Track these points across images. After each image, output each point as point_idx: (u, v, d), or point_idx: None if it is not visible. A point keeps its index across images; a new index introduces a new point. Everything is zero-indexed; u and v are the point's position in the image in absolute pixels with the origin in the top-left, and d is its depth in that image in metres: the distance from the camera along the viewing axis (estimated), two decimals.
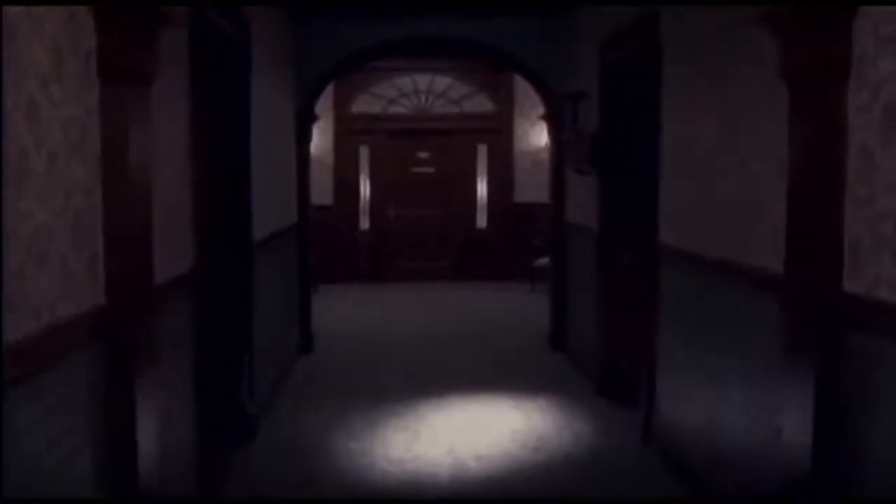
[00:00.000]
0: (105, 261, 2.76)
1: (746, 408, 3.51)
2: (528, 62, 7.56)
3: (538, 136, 12.16)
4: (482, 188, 12.44)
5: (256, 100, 5.27)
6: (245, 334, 5.02)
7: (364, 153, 12.31)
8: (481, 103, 12.31)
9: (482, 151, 12.42)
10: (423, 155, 12.41)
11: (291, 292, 7.11)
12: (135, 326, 2.85)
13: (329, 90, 11.74)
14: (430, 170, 12.42)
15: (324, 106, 11.77)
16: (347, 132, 12.14)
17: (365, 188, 12.34)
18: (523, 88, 11.99)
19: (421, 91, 12.22)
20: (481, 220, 12.46)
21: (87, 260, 2.67)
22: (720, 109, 3.84)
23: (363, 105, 12.16)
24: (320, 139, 11.94)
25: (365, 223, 12.34)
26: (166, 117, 3.56)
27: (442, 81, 12.20)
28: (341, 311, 10.08)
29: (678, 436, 4.49)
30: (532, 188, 12.10)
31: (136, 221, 2.90)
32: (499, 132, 12.30)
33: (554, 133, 7.53)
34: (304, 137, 7.38)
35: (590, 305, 6.43)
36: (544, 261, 11.28)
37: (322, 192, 11.89)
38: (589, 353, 6.48)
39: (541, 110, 11.96)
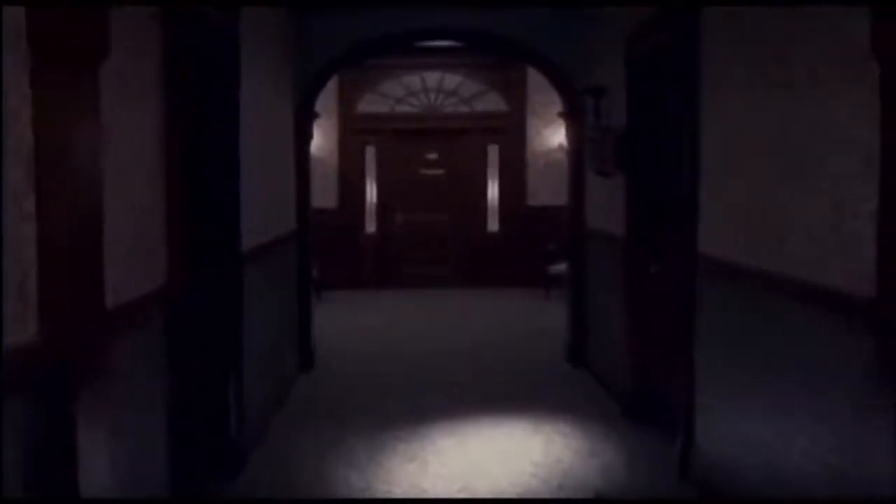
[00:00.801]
0: (39, 284, 2.22)
1: (816, 451, 2.95)
2: (545, 54, 6.99)
3: (552, 136, 11.65)
4: (493, 190, 11.93)
5: (248, 94, 4.74)
6: (232, 355, 4.48)
7: (370, 154, 11.83)
8: (493, 102, 11.78)
9: (493, 152, 11.91)
10: (432, 156, 11.92)
11: (290, 305, 6.58)
12: (78, 359, 2.32)
13: (334, 88, 11.32)
14: (439, 171, 11.93)
15: (328, 105, 11.35)
16: (353, 132, 11.63)
17: (371, 190, 11.85)
18: (537, 86, 11.52)
19: (430, 89, 11.71)
20: (492, 224, 11.94)
21: (17, 284, 2.14)
22: (780, 97, 3.28)
23: (369, 104, 11.67)
24: (324, 139, 11.47)
25: (370, 227, 11.85)
26: (132, 110, 3.03)
27: (452, 79, 11.68)
28: (345, 320, 9.55)
29: (723, 473, 3.93)
30: (546, 190, 11.65)
31: (82, 234, 2.37)
32: (511, 132, 11.78)
33: (573, 131, 6.98)
34: (303, 136, 6.85)
35: (614, 318, 5.88)
36: (559, 267, 10.76)
37: (326, 194, 11.46)
38: (614, 370, 5.93)
39: (556, 108, 11.63)
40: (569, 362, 7.17)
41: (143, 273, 3.12)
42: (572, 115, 6.95)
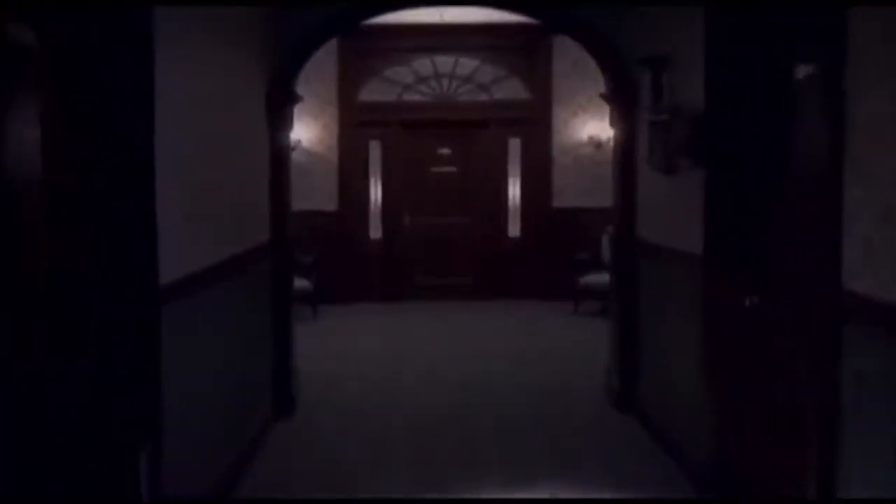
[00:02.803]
0: None
1: None
2: (583, 17, 5.50)
3: (581, 128, 10.26)
4: (514, 190, 10.53)
5: (176, 71, 3.34)
6: (145, 418, 3.07)
7: (375, 149, 10.42)
8: (514, 89, 10.37)
9: (514, 146, 10.50)
10: (445, 151, 10.55)
11: (260, 336, 5.17)
12: None
13: (332, 74, 10.04)
14: (453, 168, 10.54)
15: (325, 93, 10.07)
16: (355, 124, 10.24)
17: (375, 191, 10.47)
18: (564, 70, 10.21)
19: (442, 75, 10.30)
20: (513, 229, 10.55)
21: None
22: None
23: (374, 92, 10.27)
24: (322, 132, 10.12)
25: (375, 232, 10.46)
26: None
27: (467, 63, 10.29)
28: (341, 343, 8.15)
29: None
30: (574, 190, 10.38)
31: None
32: (534, 123, 10.37)
33: (621, 117, 5.52)
34: (279, 125, 5.43)
35: (683, 360, 4.44)
36: (591, 278, 9.35)
37: (324, 195, 10.22)
38: (682, 431, 4.49)
39: (587, 95, 10.08)
40: (613, 405, 5.73)
41: None
42: (620, 96, 5.49)
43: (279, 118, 5.39)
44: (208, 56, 3.91)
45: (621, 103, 5.47)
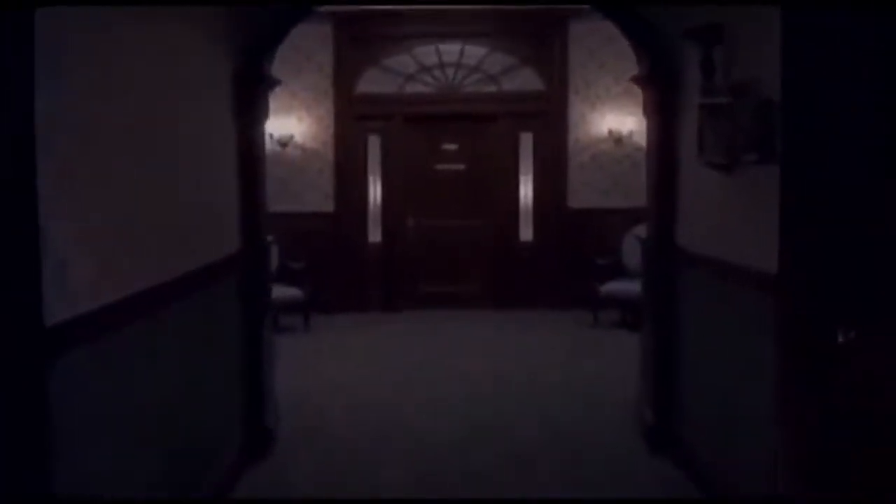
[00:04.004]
0: None
1: None
2: None
3: (600, 122, 9.42)
4: (526, 189, 9.66)
5: (91, 44, 2.49)
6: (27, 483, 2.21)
7: (374, 145, 9.59)
8: (526, 79, 9.51)
9: (527, 142, 9.63)
10: (451, 147, 9.70)
11: (226, 365, 4.30)
12: None
13: (328, 62, 9.32)
14: (460, 166, 9.69)
15: (320, 83, 9.29)
16: (352, 117, 9.41)
17: (375, 190, 9.63)
18: (581, 59, 9.41)
19: (448, 64, 9.47)
20: (525, 232, 9.67)
21: None
22: None
23: (373, 82, 9.43)
24: (317, 127, 9.32)
25: (375, 235, 9.62)
26: None
27: (475, 52, 9.45)
28: (333, 359, 7.32)
29: None
30: (591, 190, 9.56)
31: None
32: (548, 117, 9.51)
33: (659, 102, 4.63)
34: (249, 113, 4.54)
35: (746, 395, 3.58)
36: (612, 285, 8.50)
37: (320, 195, 9.45)
38: (743, 478, 3.62)
39: (606, 85, 9.24)
40: (645, 442, 4.86)
41: None
42: (658, 78, 4.61)
43: (249, 105, 4.52)
44: (143, 26, 3.05)
45: (660, 86, 4.58)
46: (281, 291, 8.29)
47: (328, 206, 9.39)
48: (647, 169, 4.93)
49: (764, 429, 3.34)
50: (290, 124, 9.21)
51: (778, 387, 3.21)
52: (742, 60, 3.52)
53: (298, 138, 9.28)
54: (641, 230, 8.73)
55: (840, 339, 2.85)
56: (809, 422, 3.14)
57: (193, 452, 3.72)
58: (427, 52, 9.39)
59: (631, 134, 9.25)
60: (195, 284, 3.62)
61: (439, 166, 9.65)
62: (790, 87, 3.11)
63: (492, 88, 9.46)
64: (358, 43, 9.31)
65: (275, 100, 9.10)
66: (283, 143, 9.19)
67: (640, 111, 8.92)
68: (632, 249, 8.70)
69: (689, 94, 4.23)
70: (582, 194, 9.50)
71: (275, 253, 8.63)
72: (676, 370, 4.58)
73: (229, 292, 4.31)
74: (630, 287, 8.26)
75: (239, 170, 4.48)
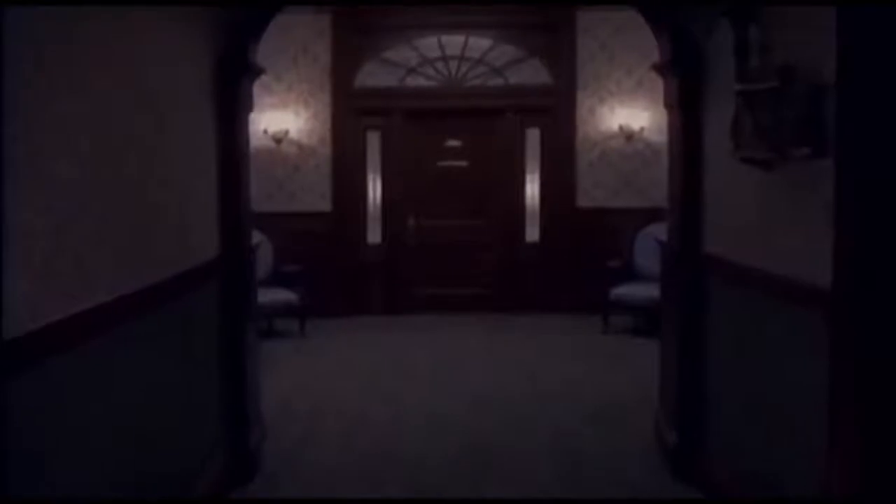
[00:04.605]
0: None
1: None
2: None
3: (611, 117, 9.03)
4: (533, 188, 9.24)
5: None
6: None
7: (373, 141, 9.18)
8: (532, 73, 9.08)
9: (533, 138, 9.21)
10: (454, 143, 9.28)
11: (203, 381, 3.87)
12: None
13: (324, 54, 8.90)
14: (463, 163, 9.26)
15: (316, 76, 8.90)
16: (350, 112, 8.99)
17: (374, 189, 9.23)
18: (591, 51, 8.96)
19: (451, 56, 9.07)
20: (532, 232, 9.25)
21: None
22: None
23: (372, 75, 9.02)
24: (313, 122, 8.94)
25: (374, 236, 9.21)
26: None
27: (479, 43, 9.04)
28: (328, 368, 6.90)
29: None
30: (602, 188, 9.14)
31: None
32: (556, 112, 9.07)
33: (684, 91, 4.18)
34: (231, 105, 4.09)
35: (794, 422, 3.14)
36: (623, 289, 8.08)
37: (316, 194, 9.02)
38: None
39: (618, 78, 8.80)
40: (667, 466, 4.42)
41: None
42: (682, 64, 4.16)
43: (231, 96, 4.07)
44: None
45: (685, 73, 4.13)
46: (275, 295, 7.94)
47: (325, 206, 8.98)
48: (669, 167, 4.49)
49: (813, 461, 2.91)
50: (285, 119, 8.81)
51: (831, 417, 2.77)
52: (787, 40, 3.07)
53: (294, 134, 8.87)
54: (654, 231, 8.38)
55: None
56: (867, 456, 2.72)
57: (166, 478, 3.29)
58: (429, 44, 8.99)
59: (643, 130, 8.84)
60: (163, 296, 3.19)
61: (442, 163, 9.24)
62: (847, 68, 2.67)
63: (497, 82, 9.05)
64: (357, 34, 8.90)
65: (269, 94, 8.94)
66: (278, 139, 8.78)
67: (652, 106, 8.72)
68: (644, 251, 8.30)
69: (718, 82, 3.79)
70: (591, 193, 9.08)
71: (269, 255, 8.26)
72: (704, 389, 4.14)
73: (207, 303, 3.87)
74: (642, 291, 7.87)
75: (219, 167, 4.04)
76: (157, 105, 3.22)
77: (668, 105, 4.43)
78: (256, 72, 4.35)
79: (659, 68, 4.44)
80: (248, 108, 4.31)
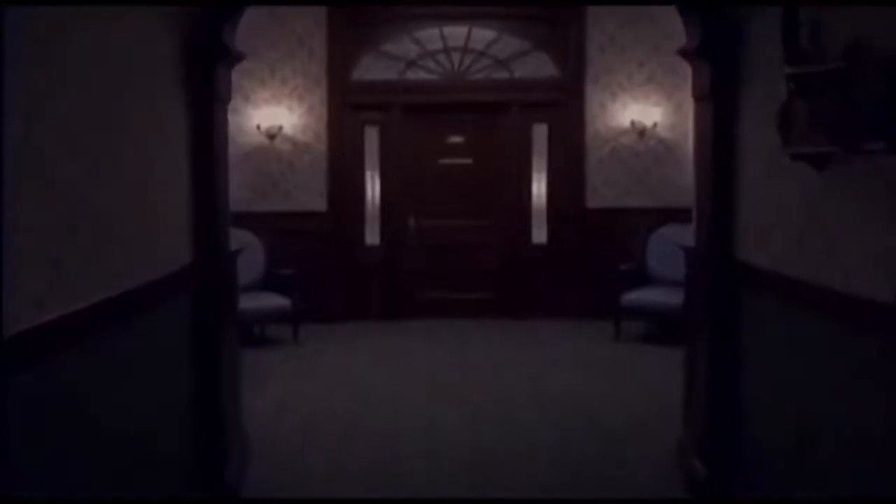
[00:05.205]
0: None
1: None
2: None
3: (622, 112, 8.69)
4: (540, 187, 8.90)
5: None
6: None
7: (372, 137, 8.86)
8: (539, 66, 8.73)
9: (540, 134, 8.88)
10: (456, 140, 8.95)
11: (172, 408, 3.42)
12: None
13: (320, 47, 8.55)
14: (467, 161, 8.92)
15: (312, 69, 8.52)
16: (347, 107, 8.66)
17: (373, 187, 8.89)
18: (600, 43, 8.58)
19: (453, 48, 8.75)
20: (538, 233, 8.91)
21: None
22: None
23: (370, 69, 8.69)
24: (308, 117, 8.63)
25: (373, 237, 8.87)
26: None
27: (483, 35, 8.71)
28: (322, 380, 6.48)
29: None
30: (612, 187, 8.78)
31: None
32: (564, 107, 8.72)
33: (717, 79, 3.72)
34: (205, 95, 3.64)
35: (855, 466, 2.68)
36: (635, 294, 7.65)
37: (312, 192, 8.66)
38: None
39: (629, 70, 8.40)
40: (695, 500, 3.97)
41: None
42: (714, 48, 3.70)
43: (205, 84, 3.62)
44: None
45: (718, 59, 3.67)
46: (267, 300, 7.58)
47: (321, 205, 8.62)
48: (695, 164, 4.04)
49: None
50: (279, 114, 8.43)
51: None
52: (851, 12, 2.61)
53: (288, 130, 8.49)
54: (668, 232, 7.98)
55: None
56: None
57: None
58: (430, 36, 8.67)
59: (655, 126, 8.45)
60: (113, 317, 2.73)
61: (443, 161, 8.91)
62: None
63: (501, 75, 8.73)
64: (354, 26, 8.61)
65: (263, 87, 8.55)
66: (272, 134, 8.40)
67: (665, 101, 8.30)
68: (657, 254, 7.92)
69: (757, 69, 3.34)
70: (601, 192, 8.72)
71: (261, 257, 7.86)
72: (738, 417, 3.69)
73: (174, 321, 3.41)
74: (656, 296, 7.48)
75: (191, 164, 3.59)
76: (108, 97, 2.75)
77: (696, 96, 3.97)
78: (235, 57, 3.90)
79: (686, 53, 3.98)
80: (227, 97, 3.87)
